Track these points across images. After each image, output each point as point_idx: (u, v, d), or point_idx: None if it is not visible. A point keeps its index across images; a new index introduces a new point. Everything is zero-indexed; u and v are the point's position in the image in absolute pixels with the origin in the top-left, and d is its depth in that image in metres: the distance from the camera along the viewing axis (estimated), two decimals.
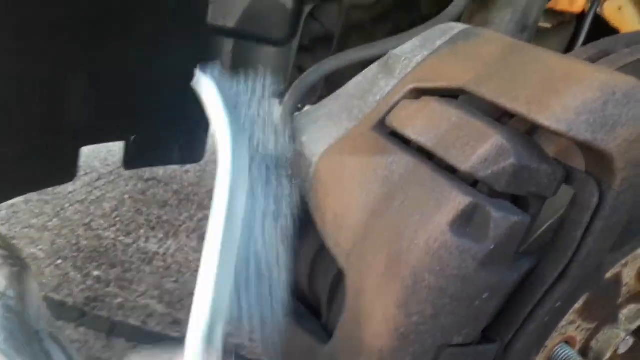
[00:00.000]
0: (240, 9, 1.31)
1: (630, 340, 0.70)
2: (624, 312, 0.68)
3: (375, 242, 0.54)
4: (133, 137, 1.23)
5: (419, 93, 0.60)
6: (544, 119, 0.48)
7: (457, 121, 0.52)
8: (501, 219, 0.47)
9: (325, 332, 0.64)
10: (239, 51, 1.37)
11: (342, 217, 0.58)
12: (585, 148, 0.49)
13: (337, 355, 0.56)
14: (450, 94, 0.60)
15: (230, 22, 1.26)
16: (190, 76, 1.27)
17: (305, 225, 0.68)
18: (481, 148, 0.49)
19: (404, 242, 0.50)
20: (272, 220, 0.55)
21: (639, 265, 0.65)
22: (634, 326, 0.68)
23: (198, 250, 1.97)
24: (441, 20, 0.73)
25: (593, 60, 0.60)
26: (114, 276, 1.78)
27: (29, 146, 1.02)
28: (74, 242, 1.94)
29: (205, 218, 2.19)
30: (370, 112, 0.63)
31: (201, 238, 2.03)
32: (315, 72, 0.81)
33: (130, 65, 1.17)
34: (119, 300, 1.68)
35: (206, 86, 0.56)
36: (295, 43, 1.41)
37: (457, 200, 0.48)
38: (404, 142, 0.59)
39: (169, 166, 2.55)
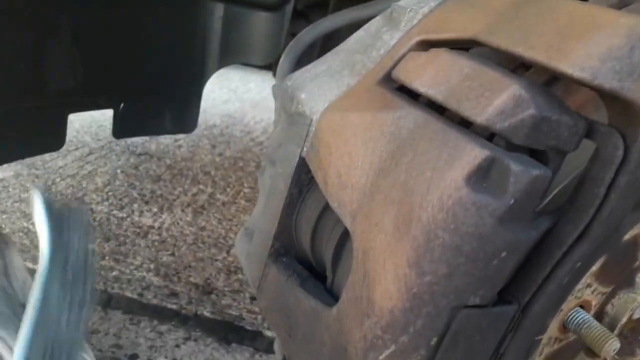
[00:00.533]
0: None
1: None
2: None
3: (383, 201, 0.51)
4: (122, 106, 1.19)
5: (426, 45, 0.57)
6: (566, 67, 0.45)
7: (469, 72, 0.49)
8: (521, 172, 0.44)
9: (331, 295, 0.61)
10: (231, 17, 1.33)
11: (347, 176, 0.55)
12: (610, 98, 0.46)
13: (344, 317, 0.54)
14: (460, 46, 0.56)
15: None
16: (179, 43, 1.22)
17: (306, 186, 0.65)
18: (497, 99, 0.45)
19: (415, 200, 0.47)
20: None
21: None
22: None
23: (193, 224, 1.94)
24: None
25: (617, 8, 0.57)
26: (108, 250, 1.76)
27: (14, 110, 0.98)
28: None
29: (200, 192, 2.17)
30: (374, 67, 0.59)
31: (196, 212, 2.01)
32: (310, 32, 0.78)
33: (118, 31, 1.12)
34: (115, 273, 1.67)
35: (37, 200, 0.71)
36: (289, 8, 1.36)
37: (473, 153, 0.45)
38: (412, 97, 0.56)
39: (162, 141, 2.51)
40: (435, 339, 0.49)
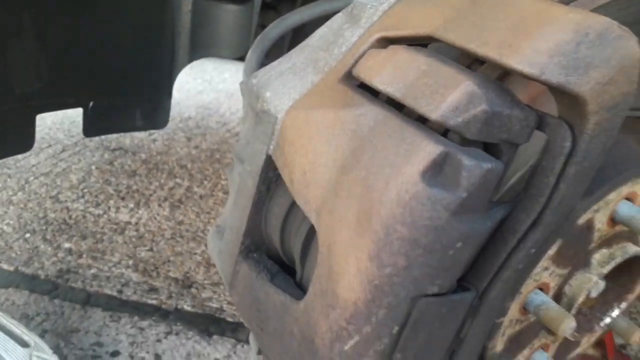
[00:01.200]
0: None
1: (601, 284, 0.71)
2: (596, 257, 0.69)
3: (345, 197, 0.52)
4: (91, 104, 1.18)
5: (386, 42, 0.58)
6: (516, 63, 0.46)
7: (426, 69, 0.51)
8: (473, 167, 0.46)
9: (300, 289, 0.63)
10: (199, 11, 1.32)
11: (311, 173, 0.56)
12: (558, 92, 0.48)
13: (311, 310, 0.55)
14: (419, 42, 0.58)
15: None
16: (148, 39, 1.21)
17: (274, 183, 0.67)
18: (451, 95, 0.47)
19: (374, 195, 0.49)
20: None
21: (610, 210, 0.65)
22: (605, 270, 0.69)
23: (170, 218, 1.94)
24: None
25: (565, 2, 0.59)
26: (85, 247, 1.75)
27: None
28: (41, 215, 1.89)
29: (177, 186, 2.17)
30: (336, 64, 0.60)
31: (173, 206, 2.00)
32: (278, 26, 0.78)
33: (83, 30, 1.11)
34: (93, 270, 1.66)
35: None
36: (257, 1, 1.36)
37: (428, 149, 0.47)
38: (373, 94, 0.57)
39: (136, 135, 2.49)
40: (397, 328, 0.51)
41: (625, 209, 0.64)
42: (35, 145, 1.44)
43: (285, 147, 0.61)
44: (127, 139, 2.45)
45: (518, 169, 0.58)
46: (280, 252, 0.70)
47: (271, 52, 1.56)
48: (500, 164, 0.48)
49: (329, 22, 0.67)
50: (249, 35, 1.38)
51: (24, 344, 1.02)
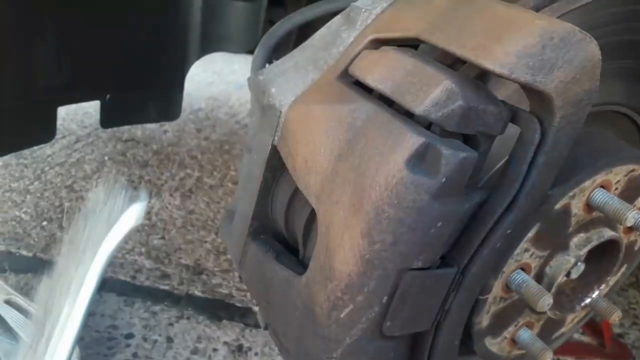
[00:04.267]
0: None
1: (581, 266, 0.77)
2: (574, 240, 0.75)
3: (341, 182, 0.59)
4: (108, 97, 1.25)
5: (378, 43, 0.64)
6: (489, 64, 0.52)
7: (411, 68, 0.57)
8: (450, 155, 0.52)
9: (302, 266, 0.70)
10: (209, 7, 1.38)
11: (312, 161, 0.63)
12: (527, 89, 0.54)
13: (312, 282, 0.62)
14: (407, 44, 0.64)
15: None
16: (162, 34, 1.28)
17: (279, 171, 0.73)
18: (433, 92, 0.53)
19: (366, 180, 0.56)
20: None
21: (586, 197, 0.71)
22: (582, 252, 0.75)
23: (182, 207, 2.01)
24: None
25: (538, 8, 0.65)
26: None
27: (5, 107, 1.05)
28: (57, 204, 1.96)
29: (187, 176, 2.23)
30: (334, 63, 0.67)
31: (184, 196, 2.07)
32: (283, 26, 0.85)
33: (101, 26, 1.18)
34: None
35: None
36: None
37: (412, 140, 0.53)
38: (367, 90, 0.63)
39: (147, 127, 2.55)
40: (386, 298, 0.58)
41: (599, 196, 0.70)
42: None
43: (289, 138, 0.67)
44: (139, 130, 2.52)
45: (501, 159, 0.64)
46: (285, 234, 0.77)
47: (279, 49, 1.62)
48: (475, 153, 0.54)
49: (328, 24, 0.73)
50: (257, 30, 1.44)
51: None
